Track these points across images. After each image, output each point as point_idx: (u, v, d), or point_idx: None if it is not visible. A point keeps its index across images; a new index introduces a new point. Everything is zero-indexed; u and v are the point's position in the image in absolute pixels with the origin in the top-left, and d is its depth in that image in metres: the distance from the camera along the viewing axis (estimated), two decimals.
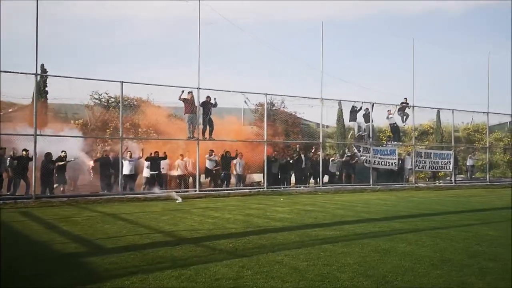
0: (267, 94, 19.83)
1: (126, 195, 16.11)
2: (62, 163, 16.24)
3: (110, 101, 25.53)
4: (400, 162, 23.62)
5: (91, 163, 18.41)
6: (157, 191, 16.89)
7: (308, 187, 20.62)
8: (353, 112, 22.54)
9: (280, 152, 24.52)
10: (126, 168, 16.92)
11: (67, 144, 16.56)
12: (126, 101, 24.40)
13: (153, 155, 17.64)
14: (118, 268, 6.01)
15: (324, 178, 21.57)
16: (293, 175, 21.76)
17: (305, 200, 16.11)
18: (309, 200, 15.87)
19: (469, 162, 27.47)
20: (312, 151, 22.06)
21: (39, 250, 7.35)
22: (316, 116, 21.37)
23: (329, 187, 20.59)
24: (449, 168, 24.83)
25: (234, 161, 19.41)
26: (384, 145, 24.71)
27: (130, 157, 17.23)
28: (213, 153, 18.97)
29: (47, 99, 24.65)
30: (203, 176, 19.21)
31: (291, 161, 21.38)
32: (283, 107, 30.21)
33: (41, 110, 22.72)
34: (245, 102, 26.85)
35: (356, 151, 22.44)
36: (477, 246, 7.44)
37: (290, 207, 13.61)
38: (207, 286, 5.21)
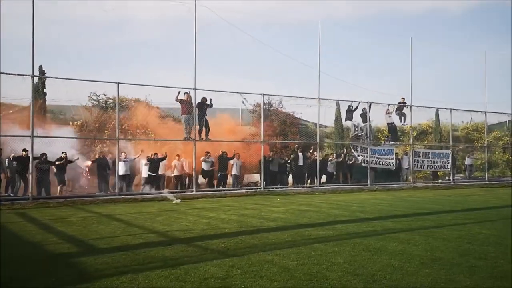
0: (263, 94, 19.86)
1: (123, 196, 16.15)
2: (61, 162, 16.28)
3: (108, 102, 25.60)
4: (397, 161, 23.62)
5: (88, 164, 18.47)
6: (154, 191, 16.91)
7: (305, 187, 20.62)
8: (349, 111, 22.55)
9: (278, 153, 24.56)
10: (121, 169, 16.94)
11: (63, 145, 16.56)
12: (124, 102, 24.48)
13: (152, 156, 17.67)
14: (108, 268, 6.04)
15: (322, 178, 21.60)
16: (290, 175, 21.77)
17: (302, 200, 16.12)
18: (306, 200, 15.88)
19: (467, 162, 27.48)
20: (310, 151, 22.07)
21: (32, 251, 7.37)
22: (314, 116, 21.44)
23: (327, 187, 20.60)
24: (448, 168, 24.85)
25: (231, 162, 19.43)
26: (382, 145, 24.71)
27: (125, 157, 17.25)
28: (209, 154, 18.99)
29: (46, 100, 24.74)
30: (201, 177, 19.26)
31: (288, 161, 21.37)
32: (281, 107, 30.30)
33: (39, 112, 22.87)
34: (243, 102, 26.94)
35: (353, 152, 22.44)
36: (469, 244, 7.46)
37: (285, 207, 13.63)
38: (195, 285, 5.23)
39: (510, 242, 7.66)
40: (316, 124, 23.62)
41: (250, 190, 18.84)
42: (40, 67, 24.06)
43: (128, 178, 17.64)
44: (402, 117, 23.57)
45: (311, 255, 6.69)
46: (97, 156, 18.27)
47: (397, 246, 7.34)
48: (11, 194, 15.68)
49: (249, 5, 59.68)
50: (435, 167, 24.64)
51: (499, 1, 65.55)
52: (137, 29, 65.97)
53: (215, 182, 19.47)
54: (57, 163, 16.37)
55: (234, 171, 19.52)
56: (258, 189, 18.98)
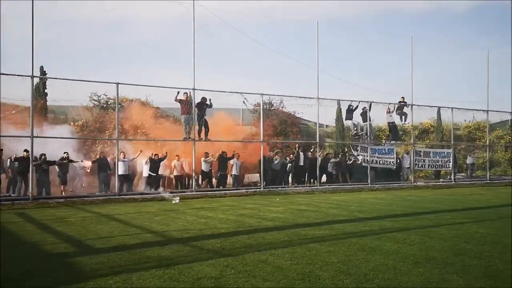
0: (262, 94, 19.86)
1: (123, 196, 16.19)
2: (63, 162, 16.36)
3: (109, 103, 25.68)
4: (398, 161, 23.60)
5: (89, 164, 18.55)
6: (154, 191, 16.96)
7: (306, 187, 20.62)
8: (350, 111, 22.54)
9: (279, 152, 24.57)
10: (120, 169, 16.99)
11: (59, 145, 16.58)
12: (124, 102, 24.54)
13: (153, 156, 17.71)
14: (103, 268, 6.06)
15: (322, 178, 21.59)
16: (290, 175, 21.77)
17: (301, 200, 16.13)
18: (305, 200, 15.89)
19: (469, 161, 27.42)
20: (311, 151, 22.07)
21: (29, 250, 7.41)
22: (315, 115, 21.41)
23: (327, 186, 20.60)
24: (449, 167, 24.80)
25: (231, 162, 19.45)
26: (383, 144, 24.68)
27: (124, 157, 17.29)
28: (208, 155, 19.01)
29: (47, 100, 24.83)
30: (200, 177, 19.28)
31: (287, 160, 21.36)
32: (282, 107, 30.35)
33: (40, 112, 22.96)
34: (244, 102, 26.95)
35: (353, 152, 22.42)
36: (465, 244, 7.45)
37: (284, 207, 13.64)
38: (188, 285, 5.25)
39: (510, 242, 7.65)
40: (316, 123, 23.58)
41: (250, 190, 18.86)
42: (41, 67, 24.17)
43: (128, 178, 17.67)
44: (403, 117, 23.54)
45: (306, 255, 6.70)
46: (98, 156, 18.32)
47: (392, 245, 7.35)
48: (12, 195, 15.74)
49: (249, 4, 59.70)
50: (436, 166, 24.59)
51: (499, 1, 65.39)
52: (138, 29, 66.11)
53: (214, 182, 19.48)
54: (58, 163, 16.44)
55: (233, 171, 19.54)
56: (258, 189, 18.99)
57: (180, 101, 17.72)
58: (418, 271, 5.72)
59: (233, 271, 5.80)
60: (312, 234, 8.61)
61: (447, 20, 73.61)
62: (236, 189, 18.95)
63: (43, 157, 15.88)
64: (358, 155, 22.21)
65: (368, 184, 21.54)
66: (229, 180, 19.92)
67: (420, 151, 24.20)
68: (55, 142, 16.60)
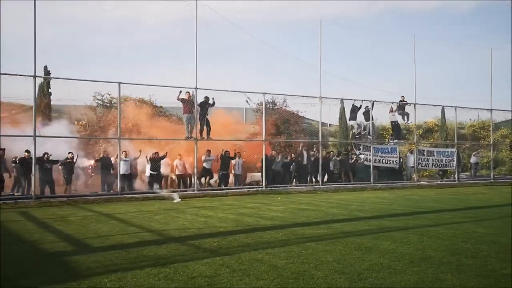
0: (265, 93, 19.85)
1: (125, 195, 16.24)
2: (68, 161, 16.44)
3: (113, 102, 25.74)
4: (401, 160, 23.54)
5: (92, 163, 18.62)
6: (155, 190, 17.00)
7: (308, 186, 20.59)
8: (354, 110, 22.50)
9: (282, 151, 24.55)
10: (122, 168, 17.04)
11: (54, 144, 16.61)
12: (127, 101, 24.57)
13: (153, 155, 17.74)
14: (99, 267, 6.10)
15: (325, 177, 21.56)
16: (293, 174, 21.74)
17: (303, 199, 16.13)
18: (306, 199, 15.89)
19: (473, 160, 27.27)
20: (314, 150, 22.04)
21: (27, 249, 7.46)
22: (318, 114, 21.34)
23: (329, 186, 20.57)
24: (453, 166, 24.72)
25: (233, 161, 19.47)
26: (386, 143, 24.61)
27: (126, 156, 17.34)
28: (210, 153, 19.03)
29: (51, 100, 24.93)
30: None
31: (287, 159, 21.34)
32: (285, 106, 30.30)
33: (44, 111, 23.06)
34: (247, 101, 26.98)
35: (356, 151, 22.38)
36: (462, 243, 7.44)
37: (285, 206, 13.66)
38: (182, 284, 5.27)
39: (508, 241, 7.63)
40: (321, 123, 23.54)
41: (252, 189, 18.85)
42: (45, 67, 24.26)
43: (130, 177, 17.71)
44: (405, 116, 23.45)
45: (302, 254, 6.71)
46: (101, 156, 18.36)
47: (389, 244, 7.34)
48: (16, 194, 15.81)
49: (253, 4, 59.69)
50: (440, 165, 24.51)
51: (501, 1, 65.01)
52: (142, 29, 66.26)
53: (213, 182, 19.50)
54: (61, 162, 16.51)
55: (235, 170, 19.57)
56: (260, 188, 18.99)
57: (182, 100, 17.74)
58: (412, 270, 5.72)
59: (228, 270, 5.83)
60: (310, 233, 8.62)
61: (453, 19, 73.32)
62: (238, 188, 18.97)
63: (46, 156, 15.96)
64: (360, 154, 22.18)
65: (370, 183, 21.50)
66: (231, 179, 19.93)
67: (424, 150, 24.11)
68: (51, 141, 16.57)
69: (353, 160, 22.53)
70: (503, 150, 33.04)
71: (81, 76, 15.87)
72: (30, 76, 14.96)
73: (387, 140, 26.37)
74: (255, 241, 7.79)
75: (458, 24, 72.83)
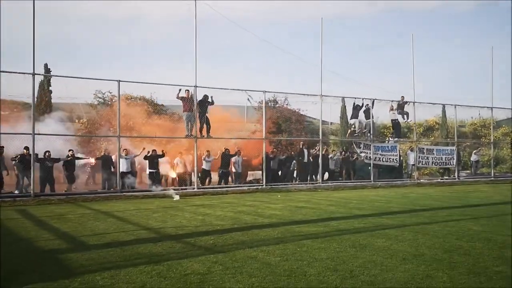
0: (265, 91, 19.84)
1: (125, 193, 16.29)
2: (69, 159, 16.50)
3: (114, 100, 25.77)
4: (401, 158, 23.52)
5: (92, 160, 18.66)
6: (154, 188, 17.03)
7: (308, 184, 20.60)
8: (356, 108, 22.49)
9: (283, 150, 24.57)
10: (123, 166, 17.09)
11: (46, 143, 16.62)
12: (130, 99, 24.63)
13: (151, 153, 17.78)
14: (93, 264, 6.13)
15: (325, 175, 21.57)
16: (294, 172, 21.77)
17: (302, 197, 16.13)
18: (306, 197, 15.90)
19: (473, 158, 27.21)
20: (316, 148, 22.04)
21: (22, 247, 7.48)
22: (319, 113, 21.31)
23: (329, 184, 20.58)
24: (453, 164, 24.67)
25: (233, 159, 19.49)
26: (387, 141, 24.60)
27: (126, 154, 17.38)
28: (210, 154, 19.07)
29: (51, 98, 25.01)
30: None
31: (285, 157, 21.34)
32: (287, 104, 30.33)
33: (45, 109, 23.14)
34: (248, 99, 26.99)
35: (356, 149, 22.37)
36: (456, 241, 7.44)
37: (283, 204, 13.67)
38: (174, 281, 5.29)
39: (502, 239, 7.63)
40: (322, 121, 23.53)
41: (252, 187, 18.88)
42: (46, 65, 24.36)
43: (131, 175, 17.75)
44: (405, 115, 23.43)
45: (296, 251, 6.73)
46: (102, 154, 18.39)
47: (384, 242, 7.35)
48: (16, 192, 15.84)
49: (254, 2, 59.60)
50: (440, 163, 24.46)
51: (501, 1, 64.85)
52: (143, 28, 66.29)
53: (211, 181, 19.54)
54: (62, 160, 16.58)
55: (235, 168, 19.60)
56: (260, 186, 19.01)
57: (181, 98, 17.77)
58: (404, 268, 5.73)
59: (221, 267, 5.85)
60: (306, 231, 8.63)
61: (453, 19, 73.11)
62: (238, 186, 18.99)
63: (47, 154, 16.01)
64: (361, 152, 22.16)
65: (371, 182, 21.49)
66: (232, 177, 19.98)
67: (424, 149, 24.07)
68: (45, 138, 16.56)
69: (353, 158, 22.51)
70: (504, 148, 32.95)
71: (82, 75, 15.95)
72: (29, 74, 14.97)
73: (388, 138, 26.34)
74: (250, 239, 7.81)
75: (458, 23, 72.66)
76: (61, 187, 16.97)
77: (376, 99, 22.55)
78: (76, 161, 17.31)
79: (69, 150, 16.88)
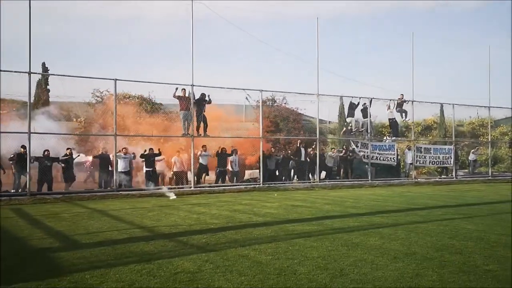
0: (262, 90, 19.82)
1: (121, 192, 16.28)
2: (66, 158, 16.48)
3: (105, 98, 25.73)
4: (398, 157, 23.52)
5: (90, 159, 18.64)
6: (151, 187, 17.02)
7: (306, 183, 20.58)
8: (352, 107, 22.50)
9: (282, 148, 24.57)
10: (121, 165, 17.07)
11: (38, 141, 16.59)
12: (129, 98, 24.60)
13: (148, 151, 17.76)
14: (84, 263, 6.11)
15: (322, 174, 21.56)
16: (292, 170, 21.75)
17: (299, 195, 16.13)
18: (303, 196, 15.89)
19: (471, 157, 27.22)
20: (313, 147, 22.01)
21: (14, 246, 7.46)
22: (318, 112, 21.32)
23: (327, 183, 20.58)
24: (450, 163, 24.66)
25: (230, 158, 19.48)
26: (385, 140, 24.58)
27: (125, 154, 17.36)
28: (206, 149, 19.05)
29: (49, 97, 25.01)
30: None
31: (281, 157, 21.32)
32: (285, 103, 30.34)
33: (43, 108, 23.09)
34: (246, 98, 26.98)
35: (354, 146, 22.36)
36: (449, 239, 7.44)
37: (280, 202, 13.67)
38: (164, 280, 5.28)
39: (495, 238, 7.62)
40: (320, 120, 23.51)
41: (249, 186, 18.88)
42: (43, 63, 24.36)
43: (128, 174, 17.72)
44: (403, 114, 23.42)
45: (288, 250, 6.72)
46: (100, 152, 18.35)
47: (376, 241, 7.35)
48: (12, 190, 15.83)
49: (251, 2, 59.53)
50: (437, 162, 24.48)
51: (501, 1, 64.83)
52: (141, 28, 66.24)
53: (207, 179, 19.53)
54: (61, 159, 16.55)
55: (232, 167, 19.59)
56: (257, 185, 19.01)
57: (178, 97, 17.77)
58: (395, 266, 5.72)
59: (212, 266, 5.83)
60: (300, 229, 8.63)
61: (453, 18, 73.07)
62: (235, 185, 18.99)
63: (46, 153, 16.01)
64: (359, 151, 22.14)
65: (368, 181, 21.49)
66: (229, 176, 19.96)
67: (421, 148, 24.06)
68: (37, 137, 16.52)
69: (352, 157, 22.49)
70: (502, 148, 32.97)
71: (81, 74, 15.94)
72: (25, 72, 14.94)
73: (386, 137, 26.34)
74: (243, 238, 7.80)
75: (458, 23, 72.63)
76: (59, 186, 16.93)
77: (374, 98, 22.55)
78: (74, 159, 17.29)
79: (67, 149, 16.88)
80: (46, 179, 16.13)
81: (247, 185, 19.19)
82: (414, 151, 23.46)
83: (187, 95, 17.81)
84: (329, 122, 34.47)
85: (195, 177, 18.29)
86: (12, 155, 15.88)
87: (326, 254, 6.45)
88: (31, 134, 15.02)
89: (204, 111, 18.29)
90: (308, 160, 21.20)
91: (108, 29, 66.45)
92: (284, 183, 19.99)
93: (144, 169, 17.83)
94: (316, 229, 8.61)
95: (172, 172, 19.11)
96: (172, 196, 15.58)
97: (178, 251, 6.82)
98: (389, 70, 66.94)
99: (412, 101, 23.14)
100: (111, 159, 17.70)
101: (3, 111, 20.01)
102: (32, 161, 15.56)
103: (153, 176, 17.78)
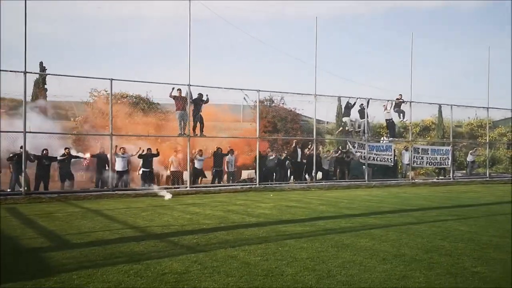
0: (259, 90, 19.80)
1: (117, 192, 16.27)
2: (65, 157, 16.48)
3: (99, 96, 25.68)
4: (395, 158, 23.50)
5: (88, 156, 18.60)
6: (148, 187, 17.01)
7: (302, 183, 20.57)
8: (348, 107, 22.49)
9: (279, 149, 24.55)
10: (118, 165, 17.05)
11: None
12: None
13: (145, 151, 17.74)
14: (72, 263, 6.10)
15: (319, 175, 21.54)
16: (289, 171, 21.73)
17: (295, 196, 16.11)
18: (298, 197, 15.87)
19: (469, 158, 27.21)
20: (309, 147, 22.01)
21: (4, 246, 7.44)
22: (316, 112, 21.30)
23: (323, 183, 20.55)
24: (448, 164, 24.65)
25: (226, 158, 19.47)
26: (382, 141, 24.56)
27: (123, 153, 17.34)
28: (202, 153, 19.06)
29: (47, 96, 25.01)
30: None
31: (281, 158, 21.32)
32: (283, 103, 30.32)
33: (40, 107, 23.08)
34: (244, 98, 26.97)
35: (351, 147, 22.35)
36: (440, 241, 7.43)
37: (274, 203, 13.65)
38: (150, 280, 5.27)
39: (488, 239, 7.62)
40: (317, 120, 23.50)
41: (245, 186, 18.86)
42: (41, 63, 24.35)
43: (126, 174, 17.70)
44: (401, 114, 23.40)
45: (277, 251, 6.71)
46: (98, 152, 18.32)
47: (367, 242, 7.34)
48: (8, 190, 15.81)
49: (250, 1, 59.48)
50: (434, 163, 24.45)
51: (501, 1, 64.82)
52: (139, 27, 66.24)
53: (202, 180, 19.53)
54: (59, 159, 16.55)
55: (229, 167, 19.58)
56: (254, 185, 18.99)
57: (174, 97, 17.76)
58: (383, 268, 5.72)
59: (200, 267, 5.83)
60: (292, 230, 8.62)
61: (452, 18, 73.08)
62: (231, 185, 18.98)
63: (44, 152, 16.00)
64: (356, 151, 22.12)
65: (365, 181, 21.48)
66: (225, 176, 19.96)
67: (418, 148, 24.03)
68: (38, 138, 16.52)
69: (349, 158, 22.47)
70: (501, 149, 32.96)
71: (79, 73, 15.97)
72: (21, 72, 14.92)
73: (383, 137, 26.32)
74: (234, 238, 7.79)
75: (457, 23, 72.61)
76: (55, 185, 16.91)
77: (371, 98, 22.53)
78: (76, 156, 17.33)
79: (65, 148, 16.85)
80: (44, 178, 16.13)
81: (243, 185, 19.18)
82: (411, 152, 23.45)
83: (183, 95, 17.80)
84: (327, 122, 34.47)
85: (191, 178, 18.27)
86: (11, 155, 15.86)
87: (315, 255, 6.44)
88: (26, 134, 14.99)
89: (201, 111, 18.26)
90: (304, 160, 21.17)
91: (108, 29, 66.45)
92: (281, 184, 19.97)
93: (141, 169, 17.81)
94: (308, 230, 8.60)
95: (169, 171, 19.10)
96: (168, 196, 15.56)
97: (168, 251, 6.82)
98: (388, 70, 66.93)
99: (410, 102, 23.13)
100: (108, 158, 17.68)
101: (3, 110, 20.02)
102: (32, 159, 15.58)
103: (149, 176, 17.76)
